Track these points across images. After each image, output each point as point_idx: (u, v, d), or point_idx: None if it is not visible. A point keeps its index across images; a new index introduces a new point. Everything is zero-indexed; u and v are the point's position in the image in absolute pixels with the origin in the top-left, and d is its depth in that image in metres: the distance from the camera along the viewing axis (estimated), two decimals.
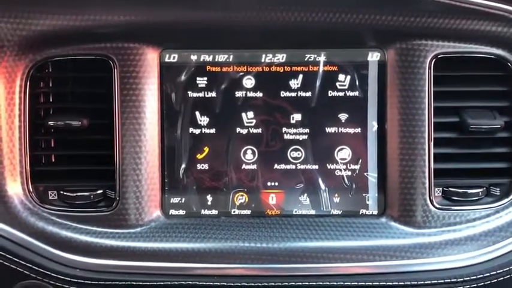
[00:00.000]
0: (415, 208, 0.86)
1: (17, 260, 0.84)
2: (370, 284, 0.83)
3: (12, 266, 0.84)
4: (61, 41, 0.84)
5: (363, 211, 0.90)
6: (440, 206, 0.87)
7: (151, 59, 0.86)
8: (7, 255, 0.84)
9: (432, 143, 0.86)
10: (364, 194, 0.90)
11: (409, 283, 0.83)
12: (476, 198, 0.87)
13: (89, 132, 0.87)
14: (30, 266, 0.84)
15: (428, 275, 0.84)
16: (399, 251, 0.85)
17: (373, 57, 0.88)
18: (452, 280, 0.83)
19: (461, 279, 0.83)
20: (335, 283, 0.83)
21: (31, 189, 0.87)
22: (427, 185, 0.86)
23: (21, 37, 0.81)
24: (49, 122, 0.86)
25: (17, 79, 0.85)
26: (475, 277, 0.83)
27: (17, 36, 0.81)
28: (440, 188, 0.88)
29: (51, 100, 0.89)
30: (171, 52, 0.88)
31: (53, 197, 0.88)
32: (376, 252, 0.84)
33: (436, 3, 0.80)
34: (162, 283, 0.84)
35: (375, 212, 0.90)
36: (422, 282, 0.83)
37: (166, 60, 0.88)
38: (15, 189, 0.86)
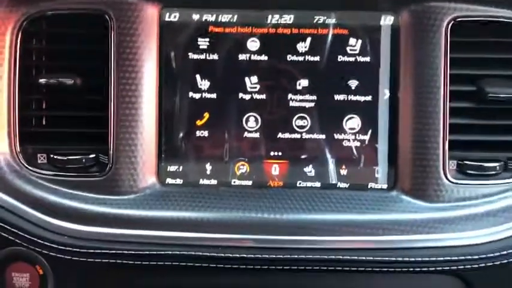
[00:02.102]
0: (428, 181, 0.81)
1: (1, 224, 0.79)
2: (380, 258, 0.78)
3: None
4: None
5: (371, 185, 0.84)
6: (454, 180, 0.81)
7: (150, 16, 0.82)
8: None
9: (447, 113, 0.80)
10: (373, 167, 0.84)
11: (420, 259, 0.78)
12: (494, 172, 0.82)
13: (83, 93, 0.83)
14: (15, 231, 0.79)
15: (441, 251, 0.78)
16: (410, 225, 0.79)
17: (386, 20, 0.83)
18: (467, 257, 0.78)
19: (477, 257, 0.78)
20: (341, 257, 0.78)
21: (19, 151, 0.82)
22: (441, 157, 0.80)
23: None
24: (40, 80, 0.81)
25: (7, 33, 0.80)
26: (492, 255, 0.78)
27: None
28: (455, 161, 0.82)
29: (43, 58, 0.84)
30: (171, 10, 0.83)
31: (42, 160, 0.83)
32: (386, 227, 0.79)
33: None
34: (155, 252, 0.78)
35: (385, 186, 0.84)
36: (435, 259, 0.78)
37: (167, 18, 0.83)
38: (1, 149, 0.81)
